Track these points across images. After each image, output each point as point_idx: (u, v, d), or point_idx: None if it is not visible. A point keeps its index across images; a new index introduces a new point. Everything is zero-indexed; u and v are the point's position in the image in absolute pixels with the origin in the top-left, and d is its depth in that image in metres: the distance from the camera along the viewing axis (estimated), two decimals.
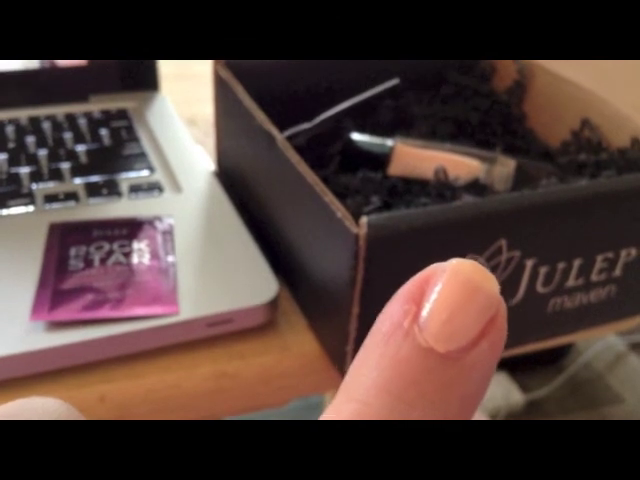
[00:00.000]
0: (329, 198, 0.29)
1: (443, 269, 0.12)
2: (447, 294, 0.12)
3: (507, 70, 0.48)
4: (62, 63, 0.52)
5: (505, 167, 0.37)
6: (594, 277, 0.33)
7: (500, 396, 1.28)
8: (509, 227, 0.29)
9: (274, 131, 0.34)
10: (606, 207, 0.31)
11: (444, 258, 0.30)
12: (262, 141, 0.35)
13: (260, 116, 0.36)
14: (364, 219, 0.27)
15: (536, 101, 0.47)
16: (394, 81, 0.42)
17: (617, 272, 0.34)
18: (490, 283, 0.12)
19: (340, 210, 0.28)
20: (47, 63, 0.52)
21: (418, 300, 0.12)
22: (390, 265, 0.28)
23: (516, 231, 0.30)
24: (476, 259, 0.29)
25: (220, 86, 0.42)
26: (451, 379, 0.12)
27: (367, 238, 0.26)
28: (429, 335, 0.12)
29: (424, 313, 0.12)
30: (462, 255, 0.29)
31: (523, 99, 0.47)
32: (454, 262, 0.13)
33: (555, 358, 1.38)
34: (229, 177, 0.44)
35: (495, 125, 0.46)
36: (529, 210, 0.29)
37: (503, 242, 0.29)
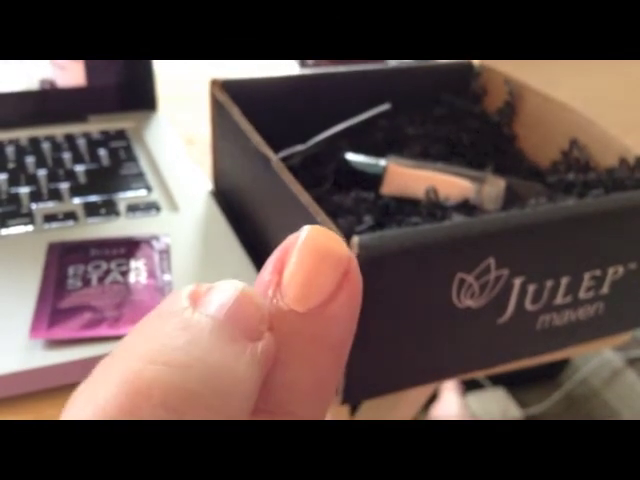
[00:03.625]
0: (322, 218, 0.30)
1: (297, 237, 0.14)
2: (301, 261, 0.14)
3: (498, 91, 0.49)
4: (61, 84, 0.53)
5: (495, 187, 0.38)
6: (582, 295, 0.34)
7: (497, 412, 1.28)
8: (497, 246, 0.30)
9: (269, 153, 0.35)
10: (593, 226, 0.32)
11: (434, 276, 0.30)
12: (258, 162, 0.36)
13: (256, 138, 0.36)
14: (355, 239, 0.27)
15: (526, 122, 0.48)
16: (385, 106, 0.43)
17: (605, 290, 0.34)
18: (337, 244, 0.14)
19: (332, 230, 0.29)
20: (47, 84, 0.53)
21: (279, 269, 0.14)
22: (381, 284, 0.29)
23: (504, 250, 0.30)
24: (465, 278, 0.30)
25: (217, 108, 0.43)
26: (316, 332, 0.14)
27: (358, 258, 0.27)
28: (289, 299, 0.14)
29: (284, 281, 0.14)
30: (452, 274, 0.30)
31: (513, 120, 0.48)
32: (305, 230, 0.14)
33: (552, 374, 1.38)
34: (226, 196, 0.45)
35: (486, 145, 0.47)
36: (517, 229, 0.30)
37: (492, 261, 0.30)
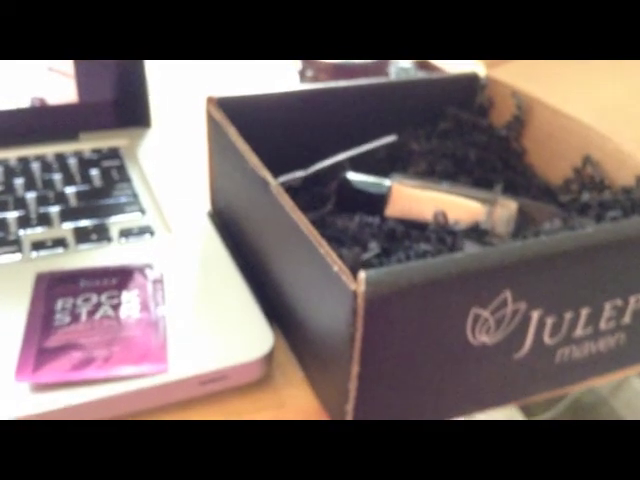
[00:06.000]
0: (325, 250, 0.28)
1: None
2: None
3: (505, 104, 0.47)
4: (52, 101, 0.51)
5: (506, 209, 0.36)
6: (603, 325, 0.32)
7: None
8: (513, 278, 0.28)
9: (268, 176, 0.33)
10: (613, 254, 0.30)
11: (446, 312, 0.28)
12: (255, 185, 0.34)
13: (253, 160, 0.35)
14: (362, 275, 0.25)
15: (535, 136, 0.46)
16: (391, 137, 0.41)
17: (626, 319, 0.32)
18: None
19: (337, 264, 0.27)
20: (37, 101, 0.51)
21: None
22: (390, 320, 0.27)
23: (521, 282, 0.28)
24: (480, 313, 0.28)
25: (213, 127, 0.41)
26: None
27: (366, 296, 0.25)
28: None
29: None
30: (466, 309, 0.28)
31: (522, 134, 0.46)
32: None
33: None
34: (223, 217, 0.43)
35: (494, 161, 0.45)
36: (534, 260, 0.28)
37: (508, 294, 0.28)
